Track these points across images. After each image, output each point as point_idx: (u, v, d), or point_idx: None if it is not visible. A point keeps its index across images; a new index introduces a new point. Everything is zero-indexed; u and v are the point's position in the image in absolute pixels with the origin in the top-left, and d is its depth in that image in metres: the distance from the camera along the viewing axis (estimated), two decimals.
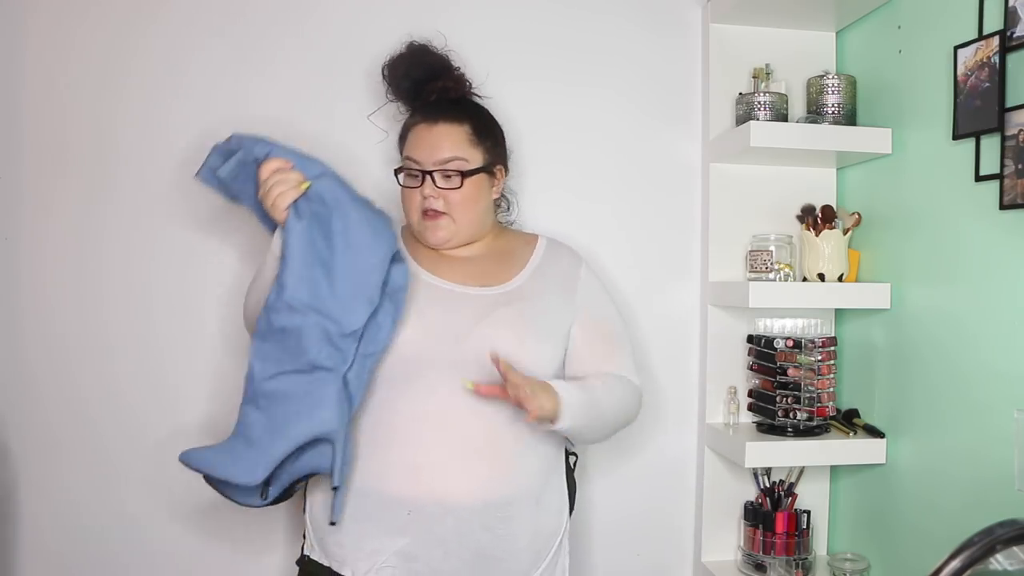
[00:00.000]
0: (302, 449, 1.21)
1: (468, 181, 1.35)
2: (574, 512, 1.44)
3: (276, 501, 1.28)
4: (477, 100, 1.48)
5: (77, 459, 1.63)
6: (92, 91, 1.63)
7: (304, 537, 1.37)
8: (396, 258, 1.27)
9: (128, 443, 1.64)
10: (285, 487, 1.26)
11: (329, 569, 1.29)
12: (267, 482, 1.23)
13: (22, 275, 1.63)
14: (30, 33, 1.62)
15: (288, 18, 1.68)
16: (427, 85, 1.43)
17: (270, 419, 1.20)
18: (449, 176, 1.35)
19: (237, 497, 1.25)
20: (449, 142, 1.35)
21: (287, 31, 1.68)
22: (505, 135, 1.47)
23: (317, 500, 1.32)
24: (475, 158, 1.36)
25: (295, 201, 1.22)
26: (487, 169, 1.39)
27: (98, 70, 1.64)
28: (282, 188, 1.21)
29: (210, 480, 1.24)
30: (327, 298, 1.21)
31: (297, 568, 1.37)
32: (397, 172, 1.40)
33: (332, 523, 1.24)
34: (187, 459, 1.21)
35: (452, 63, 1.46)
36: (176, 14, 1.65)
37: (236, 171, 1.26)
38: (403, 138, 1.42)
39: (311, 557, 1.32)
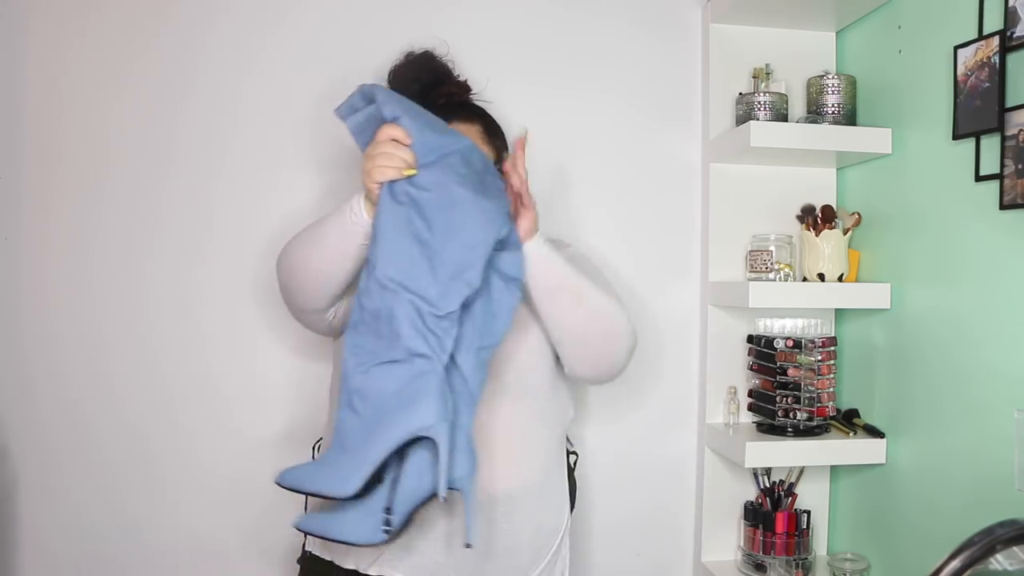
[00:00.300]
0: (419, 462, 1.08)
1: None
2: (574, 511, 1.44)
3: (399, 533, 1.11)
4: (480, 103, 1.49)
5: (76, 460, 1.63)
6: (93, 91, 1.63)
7: (305, 535, 1.37)
8: (510, 245, 1.18)
9: (127, 444, 1.64)
10: (409, 513, 1.10)
11: (331, 563, 1.29)
12: (388, 509, 1.08)
13: (22, 275, 1.63)
14: (31, 33, 1.61)
15: (290, 23, 1.68)
16: (435, 89, 1.44)
17: (365, 420, 1.08)
18: None
19: (354, 539, 1.09)
20: None
21: (290, 34, 1.68)
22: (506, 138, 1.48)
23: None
24: (489, 156, 1.38)
25: (393, 181, 1.14)
26: (498, 167, 1.39)
27: (100, 70, 1.63)
28: (384, 163, 1.13)
29: (319, 528, 1.11)
30: (421, 276, 1.11)
31: (298, 567, 1.37)
32: None
33: (468, 545, 1.11)
34: (281, 480, 1.10)
35: (454, 70, 1.49)
36: (182, 14, 1.65)
37: (364, 125, 1.19)
38: None
39: (313, 553, 1.33)
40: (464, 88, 1.49)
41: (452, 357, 1.12)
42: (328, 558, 1.30)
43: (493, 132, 1.42)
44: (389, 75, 1.48)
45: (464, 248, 1.13)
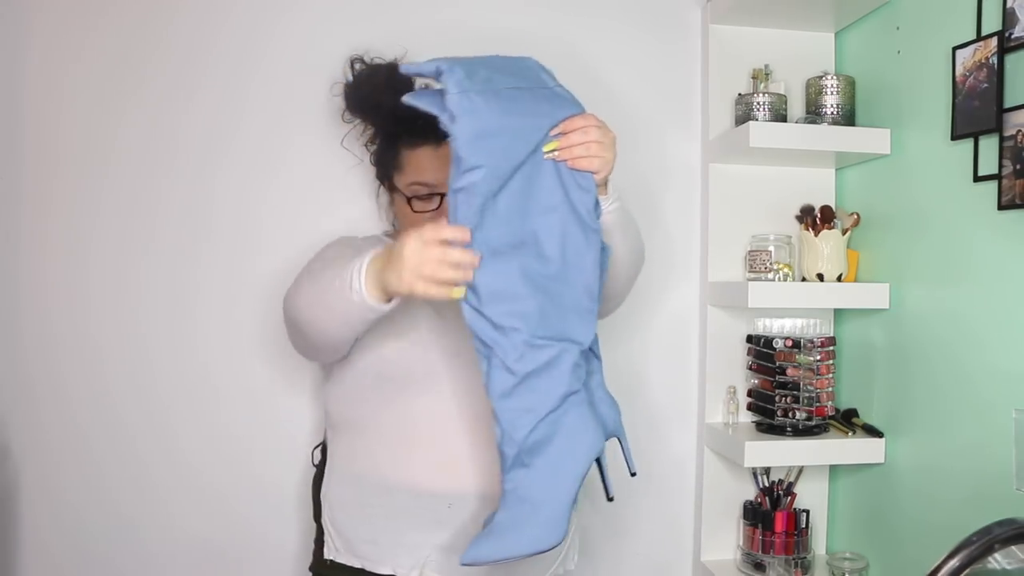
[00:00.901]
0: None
1: None
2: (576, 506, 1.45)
3: None
4: None
5: (76, 460, 1.63)
6: (94, 92, 1.63)
7: (316, 543, 1.35)
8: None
9: (127, 445, 1.64)
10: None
11: (361, 570, 1.27)
12: None
13: (21, 275, 1.63)
14: (33, 33, 1.61)
15: (292, 24, 1.69)
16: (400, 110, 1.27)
17: (541, 470, 1.08)
18: None
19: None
20: None
21: (291, 35, 1.68)
22: None
23: (339, 501, 1.30)
24: None
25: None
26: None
27: (101, 71, 1.63)
28: (431, 287, 1.02)
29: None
30: (558, 321, 1.10)
31: (311, 574, 1.36)
32: (409, 200, 1.33)
33: (633, 474, 1.23)
34: (476, 559, 1.05)
35: (414, 81, 1.36)
36: (186, 16, 1.66)
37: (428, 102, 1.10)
38: (397, 165, 1.35)
39: (336, 560, 1.30)
40: None
41: None
42: (358, 565, 1.27)
43: None
44: (345, 89, 1.42)
45: (587, 280, 1.14)
